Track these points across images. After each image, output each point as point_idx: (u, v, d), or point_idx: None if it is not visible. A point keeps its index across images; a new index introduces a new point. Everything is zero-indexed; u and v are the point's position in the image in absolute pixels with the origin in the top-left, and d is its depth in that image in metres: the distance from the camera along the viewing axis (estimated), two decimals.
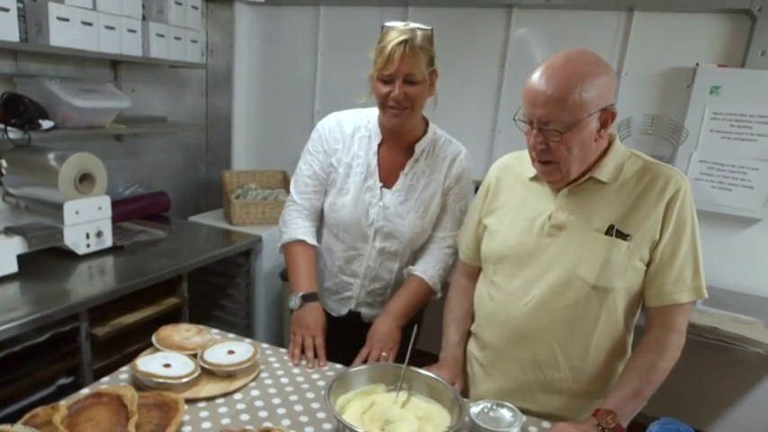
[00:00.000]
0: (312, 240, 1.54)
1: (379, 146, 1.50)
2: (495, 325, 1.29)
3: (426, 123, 1.54)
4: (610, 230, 1.16)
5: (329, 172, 1.53)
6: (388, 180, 1.50)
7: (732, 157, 2.31)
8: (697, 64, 2.30)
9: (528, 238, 1.24)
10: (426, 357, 1.36)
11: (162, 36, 2.57)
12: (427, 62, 1.38)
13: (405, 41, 1.32)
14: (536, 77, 1.10)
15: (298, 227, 1.55)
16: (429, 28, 1.39)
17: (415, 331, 1.27)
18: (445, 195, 1.53)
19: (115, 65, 2.59)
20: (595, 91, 1.08)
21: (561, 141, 1.10)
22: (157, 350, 1.26)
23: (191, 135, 3.20)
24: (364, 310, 1.61)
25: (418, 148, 1.50)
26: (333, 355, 1.37)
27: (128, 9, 2.37)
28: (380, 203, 1.48)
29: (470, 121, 2.81)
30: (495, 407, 1.14)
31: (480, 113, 2.80)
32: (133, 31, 2.41)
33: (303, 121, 3.09)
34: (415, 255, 1.58)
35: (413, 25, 1.37)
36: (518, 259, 1.25)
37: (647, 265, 1.17)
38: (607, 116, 1.12)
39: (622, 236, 1.15)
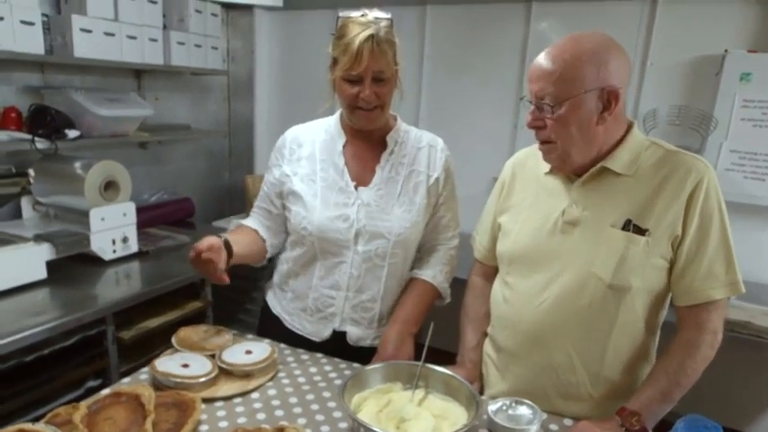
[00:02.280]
0: (254, 225, 1.47)
1: (344, 146, 1.41)
2: (508, 328, 1.25)
3: (394, 117, 1.46)
4: (627, 225, 1.10)
5: (284, 182, 1.42)
6: (362, 178, 1.39)
7: (765, 145, 2.22)
8: (726, 51, 2.22)
9: (541, 237, 1.20)
10: (442, 355, 1.33)
11: (182, 44, 2.62)
12: (393, 56, 1.28)
13: (371, 36, 1.22)
14: (539, 56, 1.10)
15: (247, 220, 1.51)
16: (389, 16, 1.29)
17: (431, 328, 1.23)
18: (435, 190, 1.42)
19: (138, 74, 2.64)
20: (593, 68, 1.05)
21: (555, 119, 1.08)
22: (177, 351, 1.27)
23: (214, 141, 3.25)
24: (350, 329, 1.41)
25: (390, 139, 1.41)
26: None
27: (149, 19, 2.42)
28: (359, 201, 1.36)
29: (491, 118, 2.79)
30: (513, 404, 1.11)
31: (501, 110, 2.76)
32: (154, 41, 2.46)
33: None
34: (418, 259, 1.49)
35: (372, 15, 1.27)
36: (531, 259, 1.21)
37: (672, 263, 1.11)
38: (610, 97, 1.06)
39: (640, 231, 1.09)
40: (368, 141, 1.41)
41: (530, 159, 1.31)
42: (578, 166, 1.16)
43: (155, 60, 2.49)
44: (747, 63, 2.19)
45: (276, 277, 1.53)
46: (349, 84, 1.28)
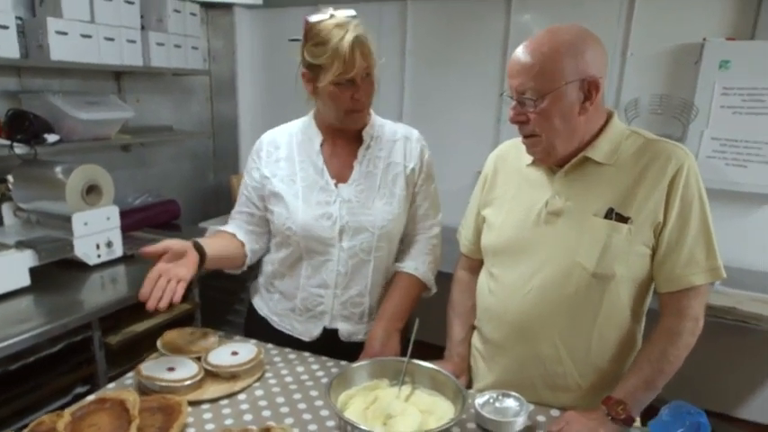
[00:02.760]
0: (232, 230, 1.43)
1: (322, 145, 1.40)
2: (494, 319, 1.26)
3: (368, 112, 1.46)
4: (609, 214, 1.11)
5: (264, 184, 1.41)
6: (341, 175, 1.39)
7: (745, 132, 2.25)
8: (704, 39, 2.24)
9: (525, 228, 1.20)
10: (430, 349, 1.34)
11: (162, 45, 2.59)
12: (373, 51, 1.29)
13: (357, 37, 1.22)
14: (516, 50, 1.11)
15: (226, 225, 1.47)
16: (354, 12, 1.28)
17: (416, 324, 1.24)
18: (413, 180, 1.43)
19: (118, 76, 2.62)
20: (572, 60, 1.05)
21: (538, 112, 1.08)
22: (162, 354, 1.26)
23: (197, 142, 3.22)
24: (341, 326, 1.41)
25: (366, 134, 1.40)
26: None
27: (126, 20, 2.39)
28: (340, 199, 1.36)
29: (474, 112, 2.79)
30: (500, 397, 1.12)
31: (484, 104, 2.77)
32: (133, 42, 2.44)
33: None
34: (400, 251, 1.48)
35: (341, 14, 1.26)
36: (516, 250, 1.21)
37: (654, 250, 1.12)
38: (590, 87, 1.07)
39: (622, 219, 1.10)
40: (344, 138, 1.41)
41: (511, 152, 1.32)
42: (561, 158, 1.17)
43: (134, 62, 2.46)
44: (726, 51, 2.21)
45: (261, 279, 1.53)
46: (340, 88, 1.27)
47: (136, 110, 2.51)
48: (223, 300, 2.66)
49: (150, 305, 1.13)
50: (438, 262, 1.49)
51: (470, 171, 2.78)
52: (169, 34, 2.62)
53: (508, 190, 1.28)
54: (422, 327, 1.22)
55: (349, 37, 1.22)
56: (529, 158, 1.24)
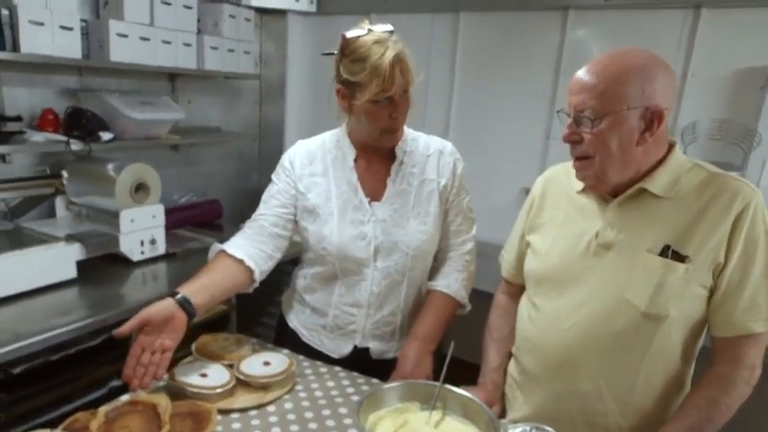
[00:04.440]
0: (241, 255, 1.29)
1: (355, 161, 1.36)
2: (534, 350, 1.21)
3: None
4: (665, 251, 1.05)
5: (298, 199, 1.36)
6: (374, 193, 1.34)
7: None
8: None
9: (572, 258, 1.15)
10: (465, 367, 1.28)
11: (216, 48, 2.65)
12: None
13: (397, 55, 1.19)
14: (582, 68, 1.07)
15: (231, 243, 1.33)
16: (391, 28, 1.25)
17: (451, 347, 1.20)
18: (445, 196, 1.38)
19: (172, 77, 2.68)
20: (639, 85, 1.00)
21: (594, 133, 1.04)
22: (197, 359, 1.27)
23: (244, 144, 3.28)
24: (373, 345, 1.39)
25: (399, 150, 1.36)
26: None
27: (183, 24, 2.46)
28: (374, 218, 1.32)
29: (522, 129, 2.72)
30: (534, 430, 1.07)
31: (533, 122, 2.70)
32: (188, 45, 2.50)
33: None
34: (433, 268, 1.45)
35: (379, 29, 1.23)
36: (560, 280, 1.17)
37: (712, 291, 1.06)
38: (653, 117, 1.02)
39: (680, 258, 1.04)
40: (377, 154, 1.37)
41: (562, 176, 1.27)
42: (613, 186, 1.11)
43: (188, 64, 2.52)
44: None
45: (293, 291, 1.52)
46: (378, 106, 1.24)
47: (186, 110, 2.57)
48: (259, 302, 2.68)
49: (134, 385, 1.08)
50: (472, 278, 1.45)
51: (516, 188, 2.75)
52: (223, 38, 2.68)
53: (556, 216, 1.23)
54: (458, 344, 1.18)
55: (389, 54, 1.18)
56: (580, 185, 1.19)
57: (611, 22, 2.46)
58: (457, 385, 1.12)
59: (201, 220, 2.77)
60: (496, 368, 1.31)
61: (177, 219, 2.56)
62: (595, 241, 1.13)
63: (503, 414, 1.29)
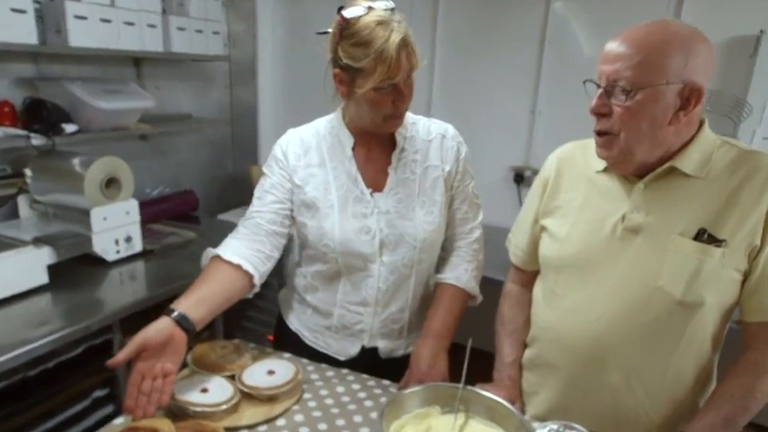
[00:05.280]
0: (238, 259, 1.19)
1: (353, 149, 1.26)
2: (556, 342, 1.15)
3: None
4: (700, 235, 0.99)
5: (294, 193, 1.27)
6: (376, 183, 1.26)
7: None
8: (761, 31, 2.09)
9: (596, 243, 1.09)
10: (482, 357, 1.22)
11: (183, 29, 2.48)
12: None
13: (403, 39, 1.09)
14: (616, 36, 0.98)
15: (226, 246, 1.23)
16: (392, 5, 1.15)
17: (469, 345, 1.13)
18: (450, 183, 1.31)
19: (138, 62, 2.51)
20: (681, 59, 0.93)
21: (626, 107, 0.96)
22: (194, 372, 1.17)
23: (216, 130, 3.12)
24: (381, 344, 1.32)
25: (399, 136, 1.27)
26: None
27: (147, 3, 2.29)
28: (377, 210, 1.24)
29: (507, 105, 2.66)
30: (563, 429, 1.02)
31: (518, 97, 2.63)
32: (153, 26, 2.33)
33: (332, 111, 2.96)
34: (441, 259, 1.37)
35: (379, 6, 1.12)
36: (585, 268, 1.10)
37: (746, 275, 1.01)
38: (691, 95, 0.95)
39: (715, 241, 0.99)
40: (376, 141, 1.27)
41: (577, 155, 1.19)
42: (639, 166, 1.05)
43: (154, 47, 2.36)
44: None
45: (291, 290, 1.42)
46: (381, 93, 1.14)
47: (155, 97, 2.41)
48: (244, 301, 2.58)
49: (137, 416, 0.98)
50: (481, 268, 1.39)
51: (503, 166, 2.71)
52: (190, 19, 2.51)
53: (575, 198, 1.16)
54: (463, 332, 1.10)
55: (395, 38, 1.08)
56: (599, 164, 1.11)
57: None
58: (472, 377, 1.06)
59: (177, 213, 2.63)
60: (512, 362, 1.26)
61: (151, 213, 2.42)
62: (622, 225, 1.06)
63: (522, 409, 1.24)
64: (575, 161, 1.19)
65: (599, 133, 1.04)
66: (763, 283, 1.00)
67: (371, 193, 1.25)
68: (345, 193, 1.25)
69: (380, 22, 1.10)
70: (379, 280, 1.27)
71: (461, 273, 1.34)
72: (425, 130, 1.32)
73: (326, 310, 1.33)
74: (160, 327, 1.04)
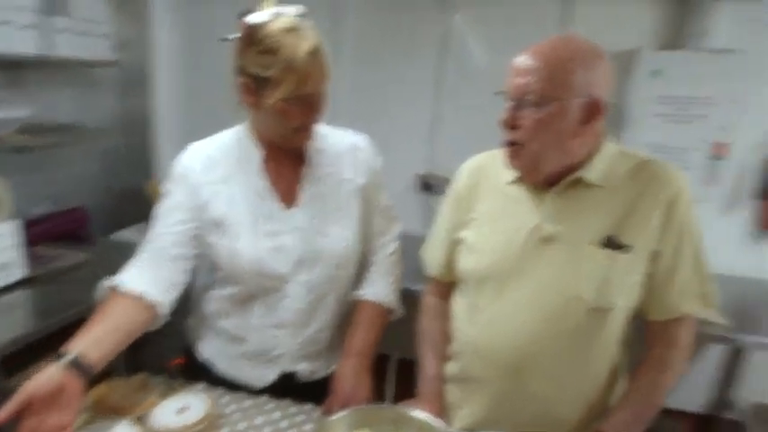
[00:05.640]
0: (139, 289, 1.09)
1: (263, 163, 1.19)
2: (478, 355, 1.16)
3: None
4: (607, 242, 1.04)
5: (202, 211, 1.17)
6: (289, 198, 1.20)
7: (675, 139, 2.32)
8: (637, 48, 2.29)
9: (511, 254, 1.11)
10: (408, 366, 1.21)
11: (65, 31, 2.25)
12: None
13: (315, 48, 1.05)
14: (524, 52, 1.03)
15: (125, 275, 1.12)
16: (302, 10, 1.10)
17: (394, 361, 1.12)
18: (366, 195, 1.28)
19: (13, 66, 2.24)
20: (584, 74, 0.98)
21: (536, 119, 1.00)
22: (94, 418, 1.05)
23: (105, 141, 2.87)
24: (301, 367, 1.27)
25: (310, 149, 1.22)
26: None
27: (21, 0, 2.05)
28: (292, 227, 1.19)
29: (411, 111, 2.66)
30: None
31: (421, 103, 2.64)
32: (29, 27, 2.09)
33: (237, 122, 2.83)
34: (358, 274, 1.34)
35: (288, 12, 1.07)
36: (503, 279, 1.12)
37: (648, 277, 1.07)
38: (594, 109, 1.00)
39: (621, 247, 1.04)
40: (286, 154, 1.22)
41: (489, 166, 1.22)
42: (546, 176, 1.08)
43: (30, 50, 2.12)
44: (659, 60, 2.27)
45: (200, 317, 1.33)
46: (291, 104, 1.08)
47: (34, 106, 2.17)
48: None
49: None
50: (400, 280, 1.38)
51: (409, 173, 2.74)
52: (73, 19, 2.29)
53: (489, 209, 1.18)
54: (404, 344, 1.08)
55: (306, 47, 1.04)
56: (509, 174, 1.15)
57: (491, 6, 2.48)
58: (401, 389, 1.05)
59: (64, 233, 2.39)
60: (436, 376, 1.26)
61: (34, 234, 2.17)
62: (535, 235, 1.09)
63: (448, 423, 1.24)
64: (487, 172, 1.21)
65: (509, 144, 1.07)
66: (662, 284, 1.06)
67: (285, 209, 1.20)
68: (256, 209, 1.18)
69: (289, 30, 1.05)
70: (297, 300, 1.22)
71: (380, 288, 1.32)
72: (338, 142, 1.28)
73: (241, 335, 1.25)
74: (48, 376, 0.92)
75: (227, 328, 1.26)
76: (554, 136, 1.01)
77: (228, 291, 1.23)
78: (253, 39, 1.05)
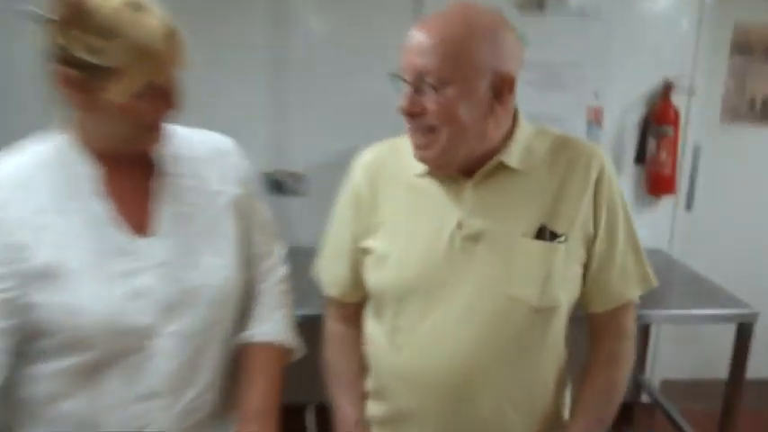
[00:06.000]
0: None
1: (99, 182, 0.90)
2: (408, 385, 0.98)
3: None
4: (541, 233, 0.93)
5: (20, 260, 0.84)
6: (140, 225, 0.93)
7: (551, 108, 2.24)
8: (497, 10, 2.18)
9: (436, 260, 0.95)
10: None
11: None
12: None
13: (168, 26, 0.84)
14: (418, 25, 0.91)
15: None
16: None
17: (310, 413, 0.86)
18: (241, 209, 1.05)
19: None
20: (490, 47, 0.88)
21: (441, 103, 0.88)
22: None
23: None
24: None
25: (159, 156, 0.96)
26: None
27: None
28: (149, 263, 0.91)
29: (249, 95, 2.16)
30: None
31: (261, 84, 2.16)
32: None
33: (49, 129, 1.84)
34: (242, 312, 1.08)
35: None
36: (429, 292, 0.95)
37: (585, 267, 0.99)
38: (502, 84, 0.89)
39: (557, 237, 0.93)
40: (130, 166, 0.93)
41: (389, 159, 1.05)
42: (463, 164, 0.95)
43: None
44: (520, 25, 2.10)
45: (22, 406, 0.93)
46: (141, 98, 0.84)
47: None
48: None
49: None
50: (293, 310, 1.12)
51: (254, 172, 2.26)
52: None
53: (399, 210, 1.01)
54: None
55: (157, 25, 0.81)
56: (418, 166, 0.98)
57: None
58: None
59: None
60: (357, 422, 1.05)
61: None
62: (459, 233, 0.94)
63: None
64: (387, 166, 1.05)
65: (415, 133, 0.94)
66: (601, 271, 0.98)
67: (138, 240, 0.90)
68: (99, 245, 0.87)
69: (132, 3, 0.80)
70: (168, 359, 0.91)
71: (272, 325, 1.06)
72: (195, 146, 1.02)
73: (91, 420, 0.90)
74: None
75: (67, 413, 0.90)
76: (465, 119, 0.90)
77: (67, 363, 0.88)
78: (80, 16, 0.78)
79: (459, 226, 0.94)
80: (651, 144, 2.21)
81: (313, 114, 2.14)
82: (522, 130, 0.98)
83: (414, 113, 0.91)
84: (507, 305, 0.93)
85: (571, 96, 2.23)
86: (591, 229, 0.96)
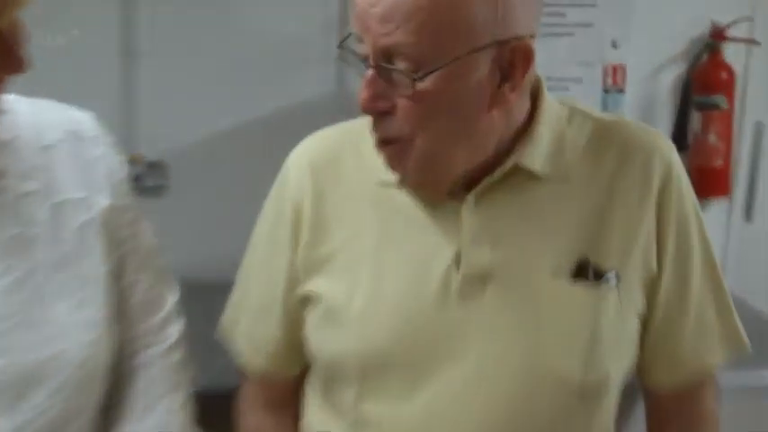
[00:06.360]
0: None
1: None
2: None
3: None
4: (582, 271, 0.65)
5: None
6: None
7: (539, 62, 1.59)
8: None
9: (422, 313, 0.67)
10: None
11: None
12: None
13: None
14: None
15: None
16: None
17: None
18: (111, 228, 0.70)
19: None
20: (487, 8, 0.58)
21: (416, 98, 0.60)
22: None
23: None
24: None
25: None
26: None
27: None
28: None
29: (85, 44, 1.57)
30: None
31: (100, 28, 1.58)
32: None
33: None
34: (117, 403, 0.73)
35: None
36: (411, 363, 0.67)
37: (644, 320, 0.70)
38: (515, 57, 0.60)
39: (603, 276, 0.65)
40: None
41: (344, 155, 0.74)
42: (455, 179, 0.68)
43: None
44: None
45: None
46: None
47: None
48: None
49: None
50: (190, 388, 0.78)
51: None
52: None
53: (361, 235, 0.70)
54: None
55: None
56: (387, 171, 0.68)
57: None
58: None
59: None
60: None
61: None
62: (457, 272, 0.66)
63: None
64: (341, 167, 0.74)
65: (383, 141, 0.66)
66: (670, 326, 0.71)
67: None
68: None
69: None
70: None
71: (161, 417, 0.74)
72: (41, 128, 0.70)
73: None
74: None
75: None
76: (453, 119, 0.63)
77: None
78: None
79: (457, 261, 0.67)
80: (694, 121, 1.65)
81: (174, 72, 1.64)
82: (549, 115, 0.69)
83: (379, 112, 0.62)
84: (534, 385, 0.67)
85: (579, 48, 1.66)
86: (653, 265, 0.69)
